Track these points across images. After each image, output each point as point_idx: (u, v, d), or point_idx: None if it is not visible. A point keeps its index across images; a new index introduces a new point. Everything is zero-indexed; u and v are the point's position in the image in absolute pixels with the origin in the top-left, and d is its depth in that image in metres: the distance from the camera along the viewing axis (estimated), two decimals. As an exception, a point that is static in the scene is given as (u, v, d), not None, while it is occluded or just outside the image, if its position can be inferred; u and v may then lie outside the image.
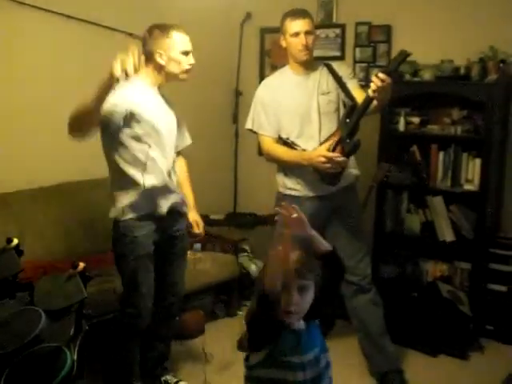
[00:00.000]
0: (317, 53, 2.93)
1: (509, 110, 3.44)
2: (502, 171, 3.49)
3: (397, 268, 3.63)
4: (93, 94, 2.14)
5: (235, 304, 3.78)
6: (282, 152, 2.81)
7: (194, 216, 2.78)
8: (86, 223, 3.28)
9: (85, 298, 1.80)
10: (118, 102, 2.29)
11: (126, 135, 2.40)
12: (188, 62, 2.50)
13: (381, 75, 2.41)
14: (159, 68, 2.48)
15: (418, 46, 3.12)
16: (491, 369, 3.04)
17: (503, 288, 3.33)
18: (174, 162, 2.62)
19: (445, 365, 3.15)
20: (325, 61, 2.87)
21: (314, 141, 2.76)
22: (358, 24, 3.86)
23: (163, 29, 2.45)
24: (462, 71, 3.33)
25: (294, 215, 1.70)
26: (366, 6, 3.82)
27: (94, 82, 2.13)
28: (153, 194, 2.47)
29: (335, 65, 2.85)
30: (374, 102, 2.56)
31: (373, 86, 2.44)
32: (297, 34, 2.70)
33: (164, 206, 2.51)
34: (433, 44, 3.52)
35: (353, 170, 2.88)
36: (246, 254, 4.00)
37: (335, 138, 2.64)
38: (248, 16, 4.30)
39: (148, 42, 2.47)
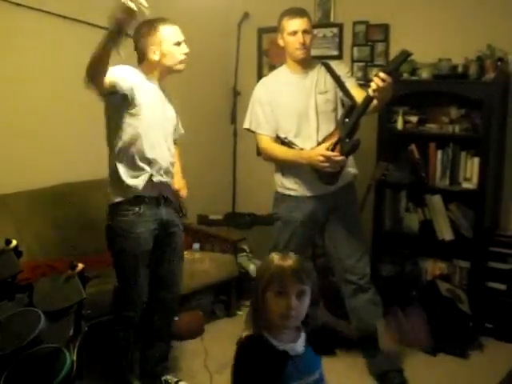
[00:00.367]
0: (315, 52, 2.93)
1: (507, 109, 3.43)
2: (500, 169, 3.48)
3: (396, 267, 3.62)
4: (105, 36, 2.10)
5: (234, 304, 3.77)
6: (280, 151, 2.80)
7: (178, 181, 2.76)
8: (85, 224, 3.28)
9: (84, 299, 1.79)
10: (127, 76, 2.34)
11: (124, 118, 2.41)
12: (181, 51, 2.50)
13: (381, 75, 2.39)
14: (155, 64, 2.49)
15: (416, 44, 3.11)
16: (491, 367, 3.04)
17: (502, 286, 3.33)
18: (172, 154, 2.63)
19: (444, 363, 3.14)
20: (322, 60, 2.87)
21: (311, 140, 2.76)
22: (355, 23, 3.86)
23: (150, 25, 2.45)
24: (460, 70, 3.33)
25: None
26: (364, 5, 3.81)
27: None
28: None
29: (333, 64, 2.84)
30: (374, 102, 2.55)
31: (373, 85, 2.42)
32: (294, 33, 2.70)
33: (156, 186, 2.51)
34: (430, 43, 3.51)
35: (351, 169, 2.88)
36: (244, 253, 4.01)
37: (334, 138, 2.63)
38: (246, 16, 4.30)
39: (138, 40, 2.48)
